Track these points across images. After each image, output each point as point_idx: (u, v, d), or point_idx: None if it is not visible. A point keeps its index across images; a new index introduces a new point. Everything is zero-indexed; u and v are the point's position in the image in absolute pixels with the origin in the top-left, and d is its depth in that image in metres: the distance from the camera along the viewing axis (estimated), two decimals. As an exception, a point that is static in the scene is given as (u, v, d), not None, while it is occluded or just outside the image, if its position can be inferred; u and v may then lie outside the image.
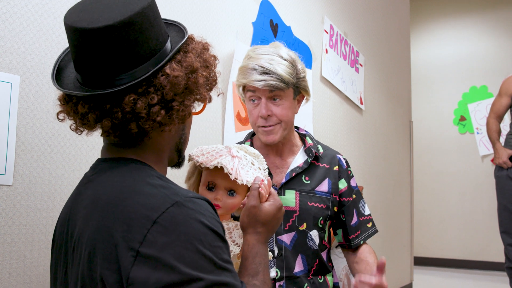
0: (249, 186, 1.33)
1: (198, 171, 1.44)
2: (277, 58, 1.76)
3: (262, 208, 1.27)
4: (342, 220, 1.94)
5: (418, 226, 6.09)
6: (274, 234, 1.75)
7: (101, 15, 1.02)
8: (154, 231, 0.96)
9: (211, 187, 1.38)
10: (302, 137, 1.98)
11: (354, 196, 1.96)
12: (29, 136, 1.67)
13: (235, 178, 1.30)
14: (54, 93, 1.73)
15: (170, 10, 2.22)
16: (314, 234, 1.85)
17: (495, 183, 4.04)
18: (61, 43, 1.77)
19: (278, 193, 1.80)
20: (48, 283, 1.70)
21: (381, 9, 4.51)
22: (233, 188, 1.37)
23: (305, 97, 1.89)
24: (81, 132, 1.15)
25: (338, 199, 1.91)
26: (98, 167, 1.16)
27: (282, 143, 1.87)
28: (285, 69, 1.74)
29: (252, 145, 1.90)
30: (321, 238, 1.88)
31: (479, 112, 6.37)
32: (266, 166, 1.45)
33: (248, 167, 1.37)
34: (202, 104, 1.25)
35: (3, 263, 1.59)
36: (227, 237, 1.36)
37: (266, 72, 1.72)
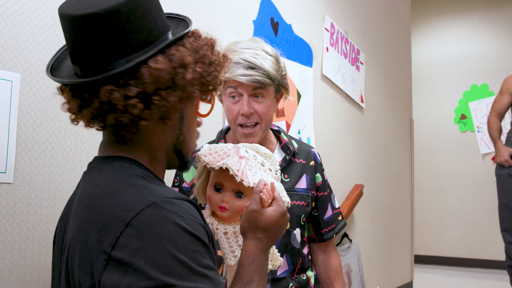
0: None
1: (207, 170, 1.40)
2: (262, 53, 1.68)
3: (263, 213, 1.20)
4: (313, 214, 1.90)
5: (419, 224, 6.09)
6: None
7: (91, 4, 1.00)
8: (127, 234, 0.92)
9: (218, 188, 1.34)
10: (276, 133, 1.91)
11: (328, 190, 1.95)
12: (30, 134, 1.67)
13: (241, 180, 1.26)
14: (54, 91, 1.73)
15: (171, 8, 2.22)
16: (297, 232, 1.81)
17: (496, 182, 4.04)
18: (62, 41, 1.77)
19: None
20: (49, 281, 1.70)
21: (382, 7, 4.51)
22: (240, 190, 1.33)
23: (283, 96, 1.81)
24: (77, 123, 1.11)
25: (315, 194, 1.89)
26: (91, 165, 1.15)
27: (258, 142, 1.77)
28: (271, 65, 1.67)
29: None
30: (302, 236, 1.85)
31: (480, 110, 6.37)
32: (278, 167, 1.40)
33: (257, 168, 1.32)
34: (210, 105, 1.21)
35: (4, 261, 1.59)
36: (225, 241, 1.34)
37: (251, 67, 1.64)
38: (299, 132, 3.11)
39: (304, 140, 3.17)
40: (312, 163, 1.89)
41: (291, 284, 1.78)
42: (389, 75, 4.59)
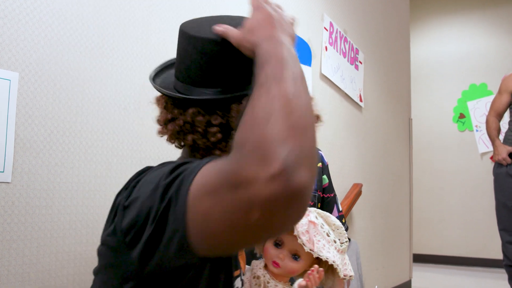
0: (322, 258, 1.29)
1: None
2: None
3: None
4: None
5: (418, 223, 6.10)
6: None
7: (211, 31, 1.08)
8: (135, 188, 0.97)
9: (277, 243, 1.34)
10: None
11: (333, 192, 1.96)
12: (28, 133, 1.66)
13: (310, 249, 1.27)
14: (52, 90, 1.73)
15: (165, 5, 2.21)
16: None
17: (494, 180, 4.04)
18: (60, 40, 1.76)
19: None
20: (47, 281, 1.69)
21: (381, 6, 4.51)
22: (298, 253, 1.32)
23: None
24: (162, 135, 1.15)
25: (321, 195, 1.91)
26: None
27: None
28: None
29: None
30: None
31: (479, 109, 6.37)
32: (346, 239, 1.37)
33: (322, 237, 1.31)
34: None
35: (2, 260, 1.59)
36: None
37: None
38: (298, 131, 3.11)
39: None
40: (319, 164, 1.91)
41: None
42: (388, 74, 4.59)
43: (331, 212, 1.92)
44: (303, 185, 0.76)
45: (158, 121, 1.13)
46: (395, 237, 4.61)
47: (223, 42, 1.05)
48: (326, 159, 3.40)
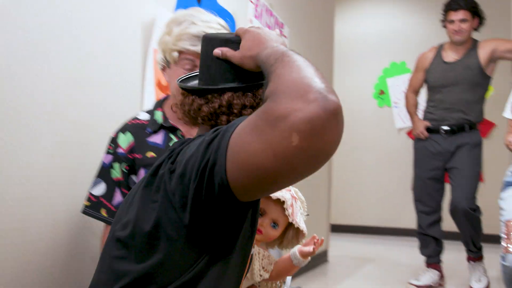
0: (300, 229, 1.54)
1: None
2: (218, 26, 1.74)
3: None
4: None
5: (336, 195, 6.31)
6: None
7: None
8: None
9: (260, 213, 1.49)
10: None
11: None
12: None
13: (290, 217, 1.49)
14: None
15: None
16: None
17: (413, 154, 4.22)
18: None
19: None
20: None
21: (307, -18, 4.56)
22: (277, 221, 1.52)
23: None
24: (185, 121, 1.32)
25: None
26: None
27: None
28: None
29: (164, 114, 1.86)
30: None
31: (398, 86, 6.61)
32: (307, 212, 1.61)
33: (297, 210, 1.55)
34: None
35: None
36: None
37: None
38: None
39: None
40: None
41: None
42: (312, 50, 4.68)
43: None
44: (338, 104, 0.92)
45: (189, 110, 1.27)
46: (313, 208, 4.76)
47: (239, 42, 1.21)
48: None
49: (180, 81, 1.34)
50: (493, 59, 3.85)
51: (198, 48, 1.63)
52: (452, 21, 3.85)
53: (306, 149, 0.88)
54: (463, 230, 3.89)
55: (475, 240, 3.87)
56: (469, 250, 3.92)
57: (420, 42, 6.37)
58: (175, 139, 1.80)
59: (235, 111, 1.21)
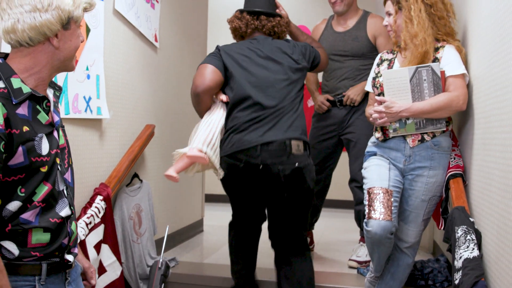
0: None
1: None
2: None
3: None
4: None
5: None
6: (61, 174, 1.66)
7: None
8: None
9: None
10: None
11: None
12: None
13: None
14: None
15: None
16: None
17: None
18: None
19: (51, 132, 1.65)
20: None
21: None
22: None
23: None
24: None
25: None
26: None
27: None
28: None
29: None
30: None
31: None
32: None
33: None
34: None
35: None
36: None
37: None
38: (87, 69, 2.95)
39: (93, 78, 3.02)
40: None
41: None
42: (185, 16, 4.57)
43: None
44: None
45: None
46: (188, 178, 4.72)
47: None
48: (117, 98, 3.31)
49: None
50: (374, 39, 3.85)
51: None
52: None
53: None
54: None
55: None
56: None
57: (297, 12, 6.47)
58: (42, 111, 1.63)
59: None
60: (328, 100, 3.85)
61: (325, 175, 3.98)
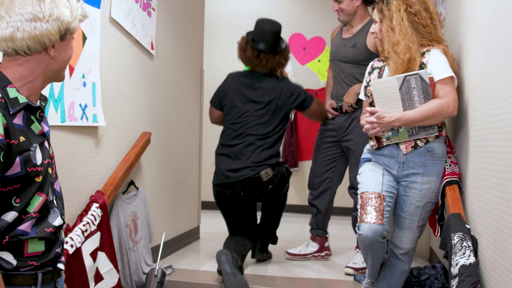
0: None
1: None
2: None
3: None
4: None
5: (208, 172, 6.30)
6: (51, 184, 1.67)
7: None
8: None
9: None
10: None
11: None
12: None
13: None
14: None
15: None
16: None
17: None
18: None
19: (43, 142, 1.65)
20: None
21: (176, -46, 4.44)
22: None
23: None
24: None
25: None
26: None
27: None
28: None
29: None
30: None
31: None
32: None
33: None
34: None
35: None
36: None
37: None
38: (83, 76, 2.95)
39: (89, 85, 3.02)
40: None
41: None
42: (181, 24, 4.58)
43: None
44: None
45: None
46: (184, 185, 4.72)
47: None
48: (114, 106, 3.32)
49: None
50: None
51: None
52: (335, 1, 3.93)
53: None
54: None
55: None
56: None
57: (291, 20, 6.51)
58: (36, 121, 1.63)
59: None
60: (333, 107, 3.99)
61: (322, 179, 4.09)
